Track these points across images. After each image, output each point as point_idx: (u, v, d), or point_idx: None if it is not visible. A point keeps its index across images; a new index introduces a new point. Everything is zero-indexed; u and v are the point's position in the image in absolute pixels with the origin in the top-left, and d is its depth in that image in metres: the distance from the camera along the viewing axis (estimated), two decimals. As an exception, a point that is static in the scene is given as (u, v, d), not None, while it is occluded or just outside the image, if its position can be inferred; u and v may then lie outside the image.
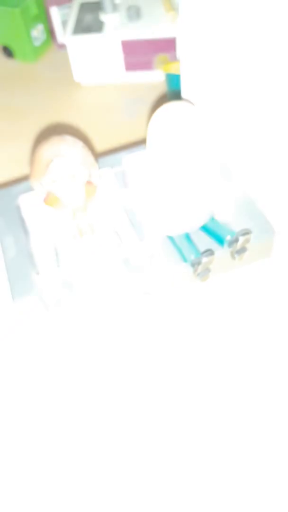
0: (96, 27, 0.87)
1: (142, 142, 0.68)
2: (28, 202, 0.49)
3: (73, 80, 0.91)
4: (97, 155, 0.46)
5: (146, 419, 0.47)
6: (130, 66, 0.89)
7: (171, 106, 0.44)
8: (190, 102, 0.55)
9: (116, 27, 0.87)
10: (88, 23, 0.88)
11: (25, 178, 0.55)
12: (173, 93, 0.80)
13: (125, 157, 0.52)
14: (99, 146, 0.75)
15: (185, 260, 0.50)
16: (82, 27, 0.87)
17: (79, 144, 0.44)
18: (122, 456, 0.45)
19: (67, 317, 0.50)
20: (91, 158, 0.45)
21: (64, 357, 0.52)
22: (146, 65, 0.89)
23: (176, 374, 0.50)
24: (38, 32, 0.98)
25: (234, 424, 0.46)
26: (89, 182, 0.46)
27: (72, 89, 0.90)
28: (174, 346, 0.52)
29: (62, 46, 0.99)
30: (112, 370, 0.51)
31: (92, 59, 0.88)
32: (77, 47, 0.87)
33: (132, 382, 0.50)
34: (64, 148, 0.43)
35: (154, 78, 0.90)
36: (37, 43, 0.98)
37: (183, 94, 0.58)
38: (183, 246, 0.50)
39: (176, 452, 0.45)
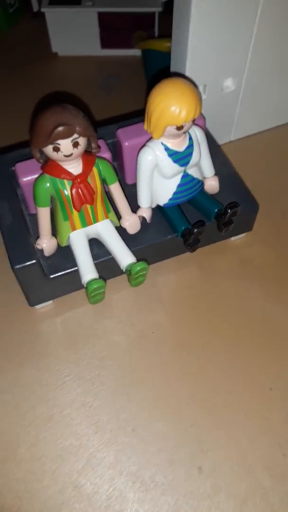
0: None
1: (122, 118, 0.69)
2: (25, 169, 0.49)
3: (49, 50, 0.90)
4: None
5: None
6: (107, 42, 0.89)
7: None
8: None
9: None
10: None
11: (18, 146, 0.55)
12: (152, 70, 0.81)
13: (117, 130, 0.54)
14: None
15: (176, 231, 0.52)
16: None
17: (80, 113, 0.45)
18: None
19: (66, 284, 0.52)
20: (91, 128, 0.45)
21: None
22: (123, 42, 0.89)
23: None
24: (10, -3, 0.95)
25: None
26: (88, 152, 0.47)
27: (49, 60, 0.89)
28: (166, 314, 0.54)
29: (36, 15, 0.96)
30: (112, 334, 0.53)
31: (70, 31, 0.87)
32: (54, 17, 0.86)
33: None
34: (66, 117, 0.43)
35: (130, 53, 0.90)
36: (10, 10, 0.95)
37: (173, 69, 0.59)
38: (174, 217, 0.52)
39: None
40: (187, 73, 0.58)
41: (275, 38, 0.60)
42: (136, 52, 0.89)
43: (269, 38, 0.60)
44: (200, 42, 0.56)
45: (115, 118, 0.75)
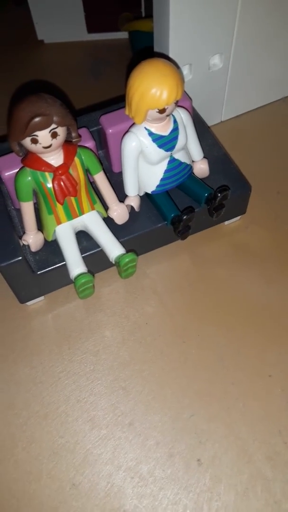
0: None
1: (111, 102, 0.68)
2: (7, 164, 0.48)
3: (35, 37, 0.87)
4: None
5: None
6: (93, 26, 0.87)
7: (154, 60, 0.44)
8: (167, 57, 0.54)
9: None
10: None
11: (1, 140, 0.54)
12: (140, 51, 0.78)
13: (101, 116, 0.52)
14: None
15: (165, 218, 0.51)
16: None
17: (58, 102, 0.43)
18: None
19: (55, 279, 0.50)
20: (70, 116, 0.44)
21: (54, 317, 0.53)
22: (110, 26, 0.86)
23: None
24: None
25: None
26: (69, 142, 0.45)
27: (35, 47, 0.87)
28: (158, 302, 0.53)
29: (20, 2, 0.94)
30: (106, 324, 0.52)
31: (54, 17, 0.85)
32: (37, 4, 0.83)
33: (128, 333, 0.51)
34: (42, 106, 0.42)
35: (118, 37, 0.88)
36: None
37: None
38: (163, 205, 0.51)
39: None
40: (170, 53, 0.56)
41: (261, 9, 0.58)
42: (124, 34, 0.86)
43: (256, 9, 0.57)
44: (182, 18, 0.53)
45: (104, 103, 0.73)
